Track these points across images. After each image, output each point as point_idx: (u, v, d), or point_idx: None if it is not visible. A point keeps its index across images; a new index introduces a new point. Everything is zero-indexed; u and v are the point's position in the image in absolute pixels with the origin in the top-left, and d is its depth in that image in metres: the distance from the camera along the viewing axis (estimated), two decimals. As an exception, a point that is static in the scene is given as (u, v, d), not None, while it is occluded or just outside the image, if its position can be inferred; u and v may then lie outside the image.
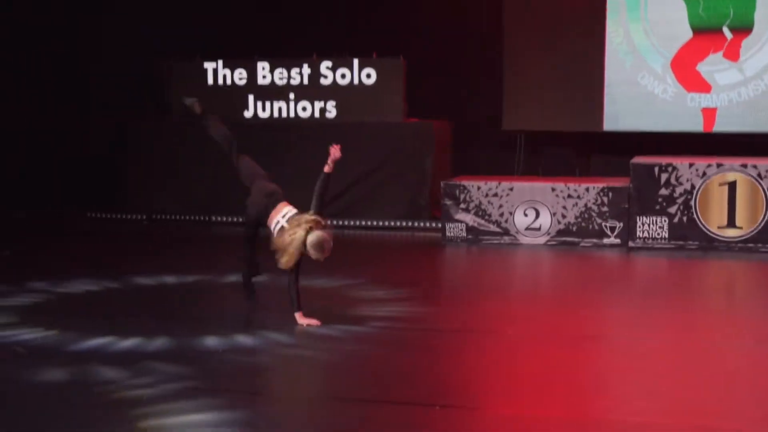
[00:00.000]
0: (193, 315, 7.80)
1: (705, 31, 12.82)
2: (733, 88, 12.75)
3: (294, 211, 7.31)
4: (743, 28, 12.63)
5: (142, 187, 13.99)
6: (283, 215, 7.28)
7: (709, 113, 12.88)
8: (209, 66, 14.00)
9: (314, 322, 7.09)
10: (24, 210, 13.92)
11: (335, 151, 7.27)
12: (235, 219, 13.39)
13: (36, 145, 14.30)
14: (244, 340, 6.86)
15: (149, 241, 12.41)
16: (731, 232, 11.04)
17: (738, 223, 11.01)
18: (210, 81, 14.00)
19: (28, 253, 11.15)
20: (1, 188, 14.11)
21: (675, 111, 12.93)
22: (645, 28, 12.97)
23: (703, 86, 12.88)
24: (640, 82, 13.03)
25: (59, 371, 6.00)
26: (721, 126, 12.84)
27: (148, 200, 13.89)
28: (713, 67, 12.82)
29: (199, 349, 6.59)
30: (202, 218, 13.57)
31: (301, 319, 7.10)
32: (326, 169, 7.26)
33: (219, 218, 13.50)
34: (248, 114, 13.90)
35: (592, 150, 13.99)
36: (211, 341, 6.76)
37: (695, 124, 12.93)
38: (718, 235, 11.06)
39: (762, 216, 10.94)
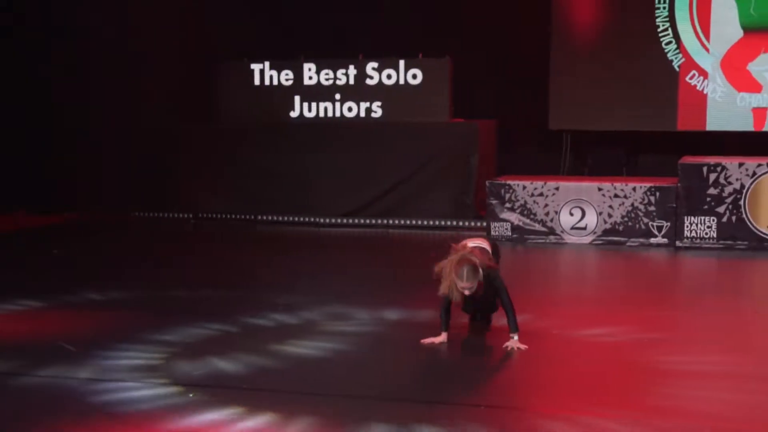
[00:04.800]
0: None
1: (756, 31, 12.68)
2: (786, 88, 12.63)
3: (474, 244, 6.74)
4: (796, 27, 12.48)
5: (189, 188, 14.12)
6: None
7: (759, 113, 12.73)
8: (256, 67, 14.09)
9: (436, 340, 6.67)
10: (75, 211, 14.14)
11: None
12: (279, 218, 13.49)
13: (85, 146, 14.48)
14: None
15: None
16: (781, 232, 10.90)
17: (788, 222, 10.87)
18: (257, 82, 14.10)
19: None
20: (53, 190, 14.35)
21: (725, 111, 12.81)
22: (694, 28, 12.85)
23: (754, 86, 12.73)
24: (690, 81, 12.92)
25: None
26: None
27: (194, 200, 14.02)
28: (764, 66, 12.67)
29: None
30: (247, 217, 13.66)
31: (437, 339, 6.65)
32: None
33: (264, 217, 13.58)
34: (294, 114, 13.97)
35: (639, 150, 13.89)
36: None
37: (745, 124, 12.80)
38: (767, 235, 10.91)
39: (813, 215, 10.79)
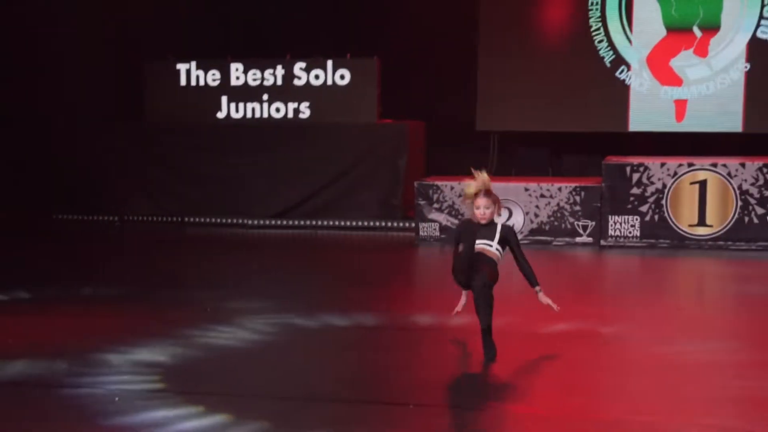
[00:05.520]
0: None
1: (677, 30, 13.07)
2: (702, 82, 13.04)
3: None
4: (712, 28, 12.91)
5: (114, 189, 13.91)
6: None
7: (680, 104, 13.12)
8: (182, 67, 13.95)
9: (554, 304, 6.42)
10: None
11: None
12: (208, 220, 13.38)
13: (6, 144, 14.19)
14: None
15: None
16: (702, 231, 11.13)
17: (708, 221, 11.10)
18: (183, 82, 13.95)
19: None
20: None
21: (649, 104, 13.22)
22: (623, 26, 13.17)
23: (675, 80, 13.14)
24: (619, 76, 13.21)
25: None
26: (691, 119, 13.08)
27: (120, 202, 13.83)
28: (684, 62, 13.09)
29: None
30: (175, 219, 13.53)
31: (543, 298, 6.45)
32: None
33: (192, 219, 13.46)
34: (221, 115, 13.86)
35: (565, 150, 14.06)
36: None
37: (668, 117, 13.14)
38: (689, 234, 11.14)
39: (732, 214, 11.03)
